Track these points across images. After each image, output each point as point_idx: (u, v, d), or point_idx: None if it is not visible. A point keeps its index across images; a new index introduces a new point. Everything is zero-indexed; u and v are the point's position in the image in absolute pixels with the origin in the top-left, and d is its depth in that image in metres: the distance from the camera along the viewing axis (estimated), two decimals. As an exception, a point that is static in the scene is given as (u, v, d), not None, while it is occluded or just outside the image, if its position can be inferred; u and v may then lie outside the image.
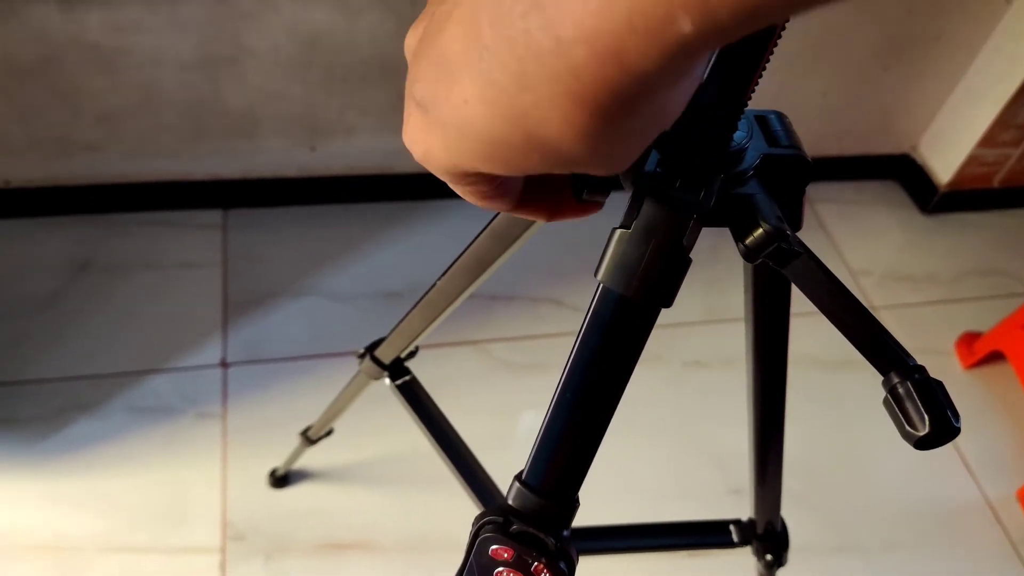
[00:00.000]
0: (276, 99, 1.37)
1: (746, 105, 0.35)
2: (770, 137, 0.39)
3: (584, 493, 1.23)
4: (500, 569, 0.32)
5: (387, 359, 0.74)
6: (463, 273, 0.55)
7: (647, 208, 0.33)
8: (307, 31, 1.28)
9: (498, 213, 0.51)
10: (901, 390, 0.30)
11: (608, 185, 0.36)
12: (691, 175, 0.34)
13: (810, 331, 1.51)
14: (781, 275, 0.39)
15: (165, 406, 1.23)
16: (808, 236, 1.71)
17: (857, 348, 0.31)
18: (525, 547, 0.32)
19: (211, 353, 1.30)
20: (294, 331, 1.34)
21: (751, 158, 0.37)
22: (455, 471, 0.66)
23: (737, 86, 0.34)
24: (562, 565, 0.32)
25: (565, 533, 0.34)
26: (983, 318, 1.57)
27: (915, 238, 1.75)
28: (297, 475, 1.17)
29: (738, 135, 0.37)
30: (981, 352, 1.51)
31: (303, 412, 1.22)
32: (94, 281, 1.37)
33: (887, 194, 1.82)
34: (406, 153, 1.43)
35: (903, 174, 1.83)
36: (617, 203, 0.36)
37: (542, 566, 0.32)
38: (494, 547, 0.32)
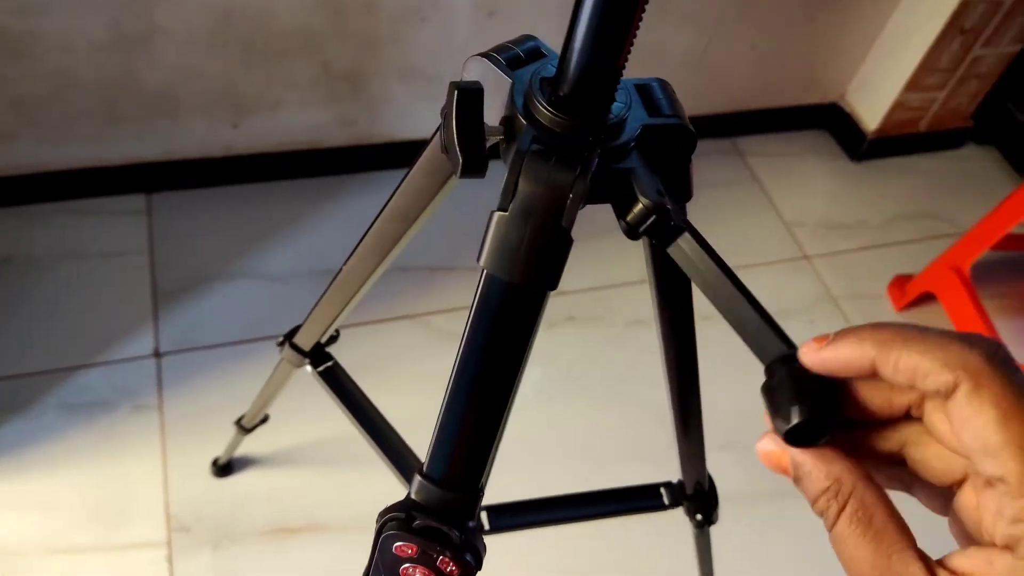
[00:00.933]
0: (194, 77, 1.32)
1: (621, 73, 0.34)
2: (651, 106, 0.38)
3: (531, 462, 1.25)
4: (406, 566, 0.32)
5: (306, 346, 0.73)
6: (369, 254, 0.54)
7: (523, 188, 0.32)
8: (221, 5, 1.23)
9: (396, 190, 0.50)
10: (775, 379, 0.29)
11: None
12: (566, 151, 0.33)
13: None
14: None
15: (99, 401, 1.20)
16: (742, 189, 1.74)
17: (738, 333, 0.30)
18: (429, 541, 0.32)
19: (143, 343, 1.26)
20: (228, 315, 1.32)
21: (631, 130, 0.36)
22: (382, 455, 0.66)
23: (610, 52, 0.32)
24: (468, 557, 0.32)
25: (471, 524, 0.34)
26: (915, 261, 1.61)
27: (846, 186, 1.78)
28: (240, 462, 1.16)
29: (616, 106, 0.36)
30: (912, 294, 1.55)
31: (242, 398, 1.20)
32: (16, 276, 1.32)
33: (817, 144, 1.85)
34: (333, 126, 1.41)
35: (832, 123, 1.86)
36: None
37: (447, 559, 0.32)
38: (398, 544, 0.32)
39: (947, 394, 0.24)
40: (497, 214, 0.33)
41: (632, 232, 0.35)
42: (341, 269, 0.58)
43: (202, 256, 1.39)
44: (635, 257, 1.51)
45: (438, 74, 1.45)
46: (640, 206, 0.34)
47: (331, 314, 0.64)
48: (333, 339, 0.75)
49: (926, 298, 1.55)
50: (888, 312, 1.57)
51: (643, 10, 0.31)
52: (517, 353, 0.34)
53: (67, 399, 1.20)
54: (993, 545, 0.24)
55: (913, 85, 1.68)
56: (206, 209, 1.45)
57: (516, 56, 0.38)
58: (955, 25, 1.57)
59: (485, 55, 0.38)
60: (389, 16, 1.33)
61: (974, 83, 1.76)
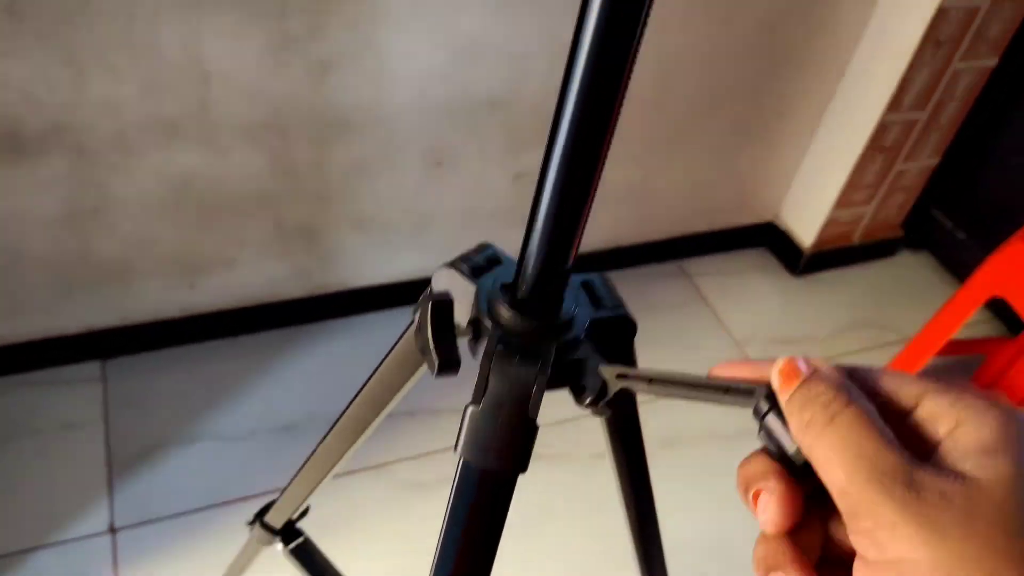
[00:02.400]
0: (150, 243, 1.34)
1: (569, 275, 0.39)
2: (595, 300, 0.43)
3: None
4: None
5: (278, 524, 0.72)
6: (343, 436, 0.58)
7: (492, 384, 0.37)
8: (176, 173, 1.27)
9: (369, 378, 0.52)
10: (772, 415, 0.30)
11: None
12: (528, 349, 0.38)
13: (701, 407, 1.56)
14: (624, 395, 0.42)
15: (52, 585, 1.15)
16: (690, 309, 1.78)
17: (720, 403, 0.33)
18: None
19: (98, 519, 1.22)
20: (186, 481, 1.29)
21: (580, 324, 0.41)
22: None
23: (560, 259, 0.38)
24: None
25: None
26: (863, 369, 1.66)
27: (789, 300, 1.85)
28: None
29: (566, 304, 0.41)
30: (866, 403, 1.59)
31: (204, 570, 1.16)
32: (-36, 456, 1.28)
33: (759, 261, 1.92)
34: (288, 279, 1.43)
35: (770, 241, 1.94)
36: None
37: None
38: None
39: None
40: (471, 408, 0.37)
41: (596, 412, 0.40)
42: (316, 450, 0.60)
43: (159, 420, 1.36)
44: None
45: (390, 221, 1.49)
46: (591, 394, 0.38)
47: (304, 492, 0.64)
48: (303, 514, 0.74)
49: (880, 406, 1.59)
50: (846, 422, 1.60)
51: (584, 226, 0.37)
52: (495, 530, 0.38)
53: (18, 586, 1.14)
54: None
55: (842, 202, 1.78)
56: (163, 371, 1.44)
57: (478, 264, 0.43)
58: (875, 145, 1.68)
59: (452, 264, 0.43)
60: (340, 172, 1.38)
61: (900, 195, 1.86)
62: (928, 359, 1.47)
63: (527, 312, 0.39)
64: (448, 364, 0.40)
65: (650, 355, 1.79)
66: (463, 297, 0.42)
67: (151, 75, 1.14)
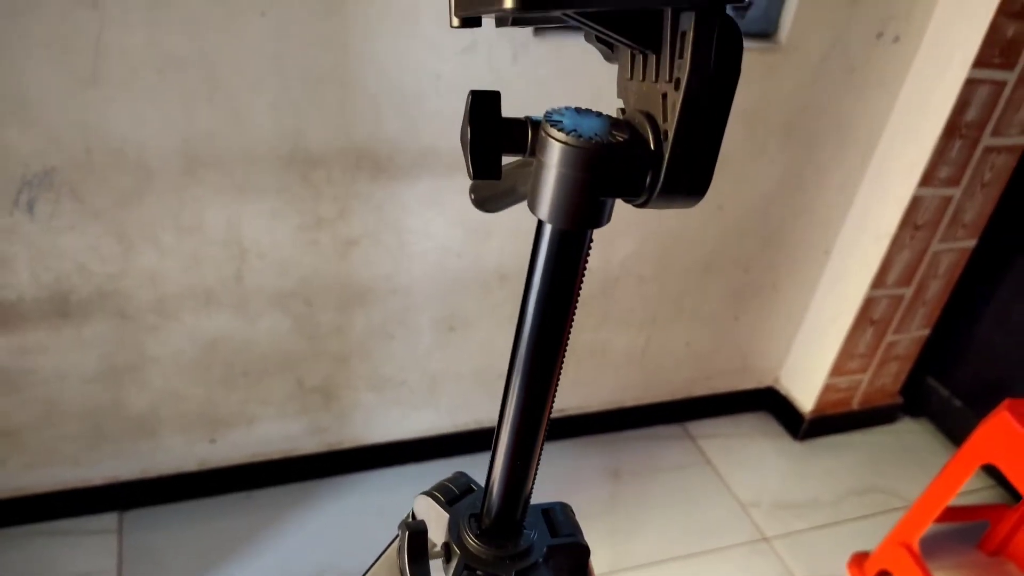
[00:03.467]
0: (178, 399, 1.43)
1: (528, 505, 0.45)
2: (552, 527, 0.48)
3: None
4: None
5: None
6: None
7: None
8: (208, 336, 1.37)
9: None
10: None
11: None
12: (489, 573, 0.44)
13: (708, 571, 1.57)
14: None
15: None
16: (696, 473, 1.82)
17: None
18: None
19: (105, 675, 1.24)
20: (195, 637, 1.30)
21: (538, 550, 0.47)
22: None
23: (517, 495, 0.44)
24: None
25: None
26: (869, 536, 1.67)
27: (793, 464, 1.88)
28: None
29: (526, 533, 0.47)
30: (871, 572, 1.59)
31: None
32: (-21, 606, 1.31)
33: (761, 424, 1.98)
34: (305, 435, 1.51)
35: (771, 405, 2.00)
36: None
37: None
38: None
39: None
40: None
41: None
42: None
43: (172, 574, 1.40)
44: (598, 549, 1.55)
45: (405, 381, 1.58)
46: None
47: None
48: None
49: (885, 575, 1.59)
50: (852, 591, 1.59)
51: (535, 471, 0.44)
52: None
53: None
54: None
55: (837, 370, 1.85)
56: (178, 523, 1.49)
57: (452, 493, 0.50)
58: (864, 317, 1.77)
59: (429, 494, 0.50)
60: (359, 335, 1.48)
61: (894, 364, 1.94)
62: (928, 525, 1.49)
63: (489, 540, 0.45)
64: None
65: (657, 516, 1.85)
66: (439, 522, 0.48)
67: (193, 251, 1.27)
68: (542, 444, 0.43)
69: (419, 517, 0.50)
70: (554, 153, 0.34)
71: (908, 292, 1.78)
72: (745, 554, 1.63)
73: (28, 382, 1.31)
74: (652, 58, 0.33)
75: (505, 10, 0.27)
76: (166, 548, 1.45)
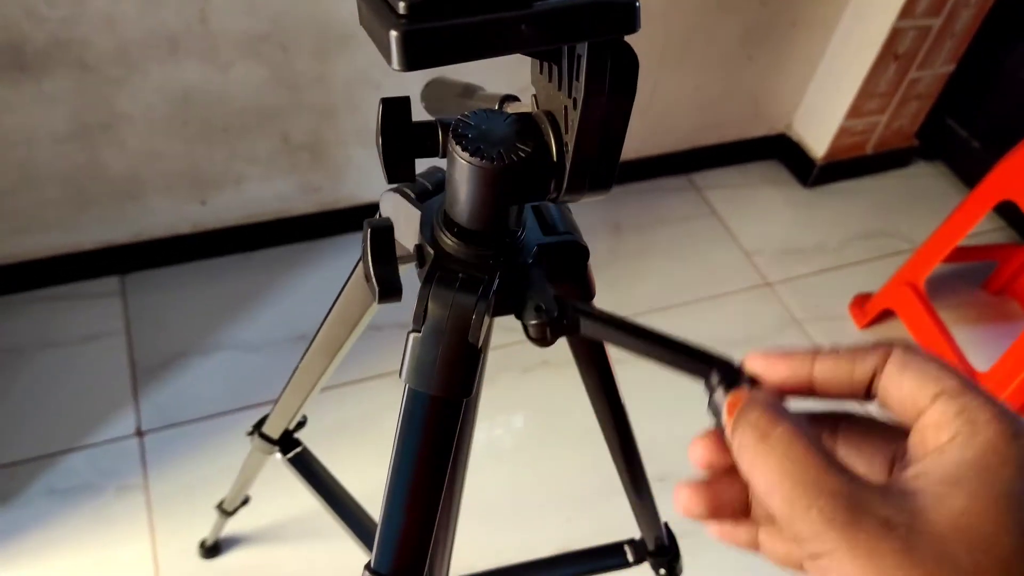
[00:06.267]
0: (158, 159, 1.36)
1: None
2: (545, 225, 0.42)
3: (515, 509, 1.27)
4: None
5: (275, 434, 0.76)
6: (319, 354, 0.59)
7: (432, 310, 0.36)
8: (179, 89, 1.28)
9: (335, 300, 0.54)
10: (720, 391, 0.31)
11: None
12: (469, 276, 0.37)
13: (710, 315, 1.58)
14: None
15: (85, 484, 1.22)
16: (701, 223, 1.79)
17: (673, 367, 0.33)
18: None
19: (125, 424, 1.28)
20: (208, 389, 1.34)
21: (527, 249, 0.40)
22: (350, 532, 0.69)
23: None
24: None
25: None
26: (873, 279, 1.67)
27: (800, 211, 1.84)
28: (228, 542, 1.17)
29: (512, 229, 0.39)
30: (873, 312, 1.60)
31: (227, 470, 1.22)
32: (-5, 367, 1.34)
33: (769, 173, 1.91)
34: (298, 194, 1.46)
35: (782, 153, 1.92)
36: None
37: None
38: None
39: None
40: (412, 335, 0.37)
41: (537, 342, 0.38)
42: (297, 367, 0.62)
43: (178, 332, 1.41)
44: (600, 297, 1.55)
45: (397, 137, 1.50)
46: (536, 322, 0.37)
47: (294, 405, 0.67)
48: (300, 425, 0.78)
49: (886, 315, 1.60)
50: (852, 330, 1.62)
51: None
52: (444, 454, 0.38)
53: (54, 485, 1.21)
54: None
55: (855, 112, 1.75)
56: (179, 285, 1.48)
57: (425, 188, 0.42)
58: (888, 52, 1.64)
59: (397, 190, 0.42)
60: (342, 85, 1.38)
61: (914, 104, 1.83)
62: (935, 264, 1.47)
63: (469, 238, 0.38)
64: (388, 291, 0.39)
65: (659, 266, 1.83)
66: (410, 222, 0.41)
67: (150, -13, 1.15)
68: None
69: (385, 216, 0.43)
70: (462, 170, 0.35)
71: (937, 23, 1.63)
72: (747, 299, 1.64)
73: (-3, 144, 1.24)
74: (556, 67, 0.34)
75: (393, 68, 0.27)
76: (170, 308, 1.45)
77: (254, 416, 1.31)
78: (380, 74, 1.38)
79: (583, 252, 0.42)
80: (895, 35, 1.61)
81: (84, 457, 1.25)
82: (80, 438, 1.27)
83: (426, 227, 0.40)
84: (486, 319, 0.36)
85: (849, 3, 1.65)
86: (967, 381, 0.26)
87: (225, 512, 1.05)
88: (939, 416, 0.26)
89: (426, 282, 0.37)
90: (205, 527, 1.15)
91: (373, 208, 1.56)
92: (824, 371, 0.29)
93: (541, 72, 0.36)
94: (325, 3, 1.25)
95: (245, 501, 1.07)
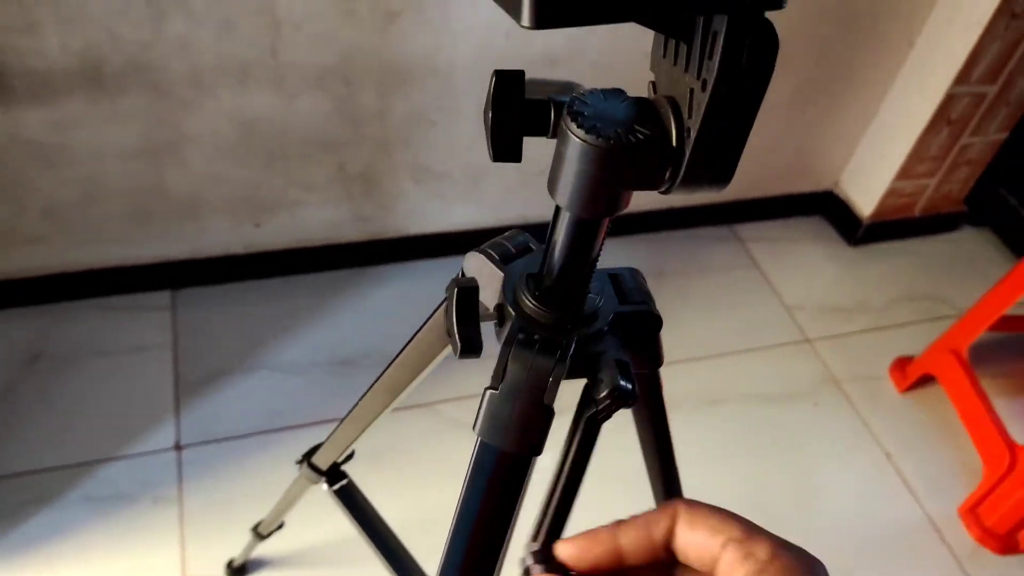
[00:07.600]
0: (220, 181, 1.41)
1: (594, 268, 0.39)
2: (621, 294, 0.43)
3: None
4: None
5: (324, 465, 0.78)
6: (382, 393, 0.61)
7: (511, 371, 0.38)
8: (246, 116, 1.33)
9: (407, 344, 0.56)
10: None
11: None
12: (548, 339, 0.39)
13: (747, 368, 1.58)
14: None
15: (121, 494, 1.24)
16: (742, 274, 1.79)
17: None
18: None
19: (165, 436, 1.31)
20: (247, 407, 1.36)
21: (604, 318, 0.41)
22: (392, 572, 0.70)
23: (582, 260, 0.38)
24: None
25: None
26: (915, 342, 1.65)
27: (844, 270, 1.83)
28: (255, 564, 1.19)
29: (590, 298, 0.41)
30: (914, 376, 1.58)
31: (261, 489, 1.24)
32: (45, 372, 1.38)
33: (815, 229, 1.91)
34: (348, 222, 1.49)
35: (828, 209, 1.92)
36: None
37: None
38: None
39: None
40: (489, 392, 0.39)
41: (599, 414, 0.40)
42: (358, 402, 0.64)
43: (223, 349, 1.45)
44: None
45: (446, 172, 1.53)
46: (605, 396, 0.39)
47: (348, 439, 0.69)
48: (349, 457, 0.79)
49: (927, 380, 1.58)
50: (891, 394, 1.60)
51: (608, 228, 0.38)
52: (509, 507, 0.40)
53: (91, 492, 1.24)
54: None
55: (904, 173, 1.75)
56: (228, 304, 1.52)
57: (508, 251, 0.44)
58: (942, 117, 1.65)
59: (482, 251, 0.44)
60: (400, 121, 1.42)
61: (965, 169, 1.82)
62: (981, 331, 1.45)
63: (549, 303, 0.39)
64: (469, 349, 0.40)
65: (699, 315, 1.83)
66: (492, 282, 0.43)
67: (225, 17, 1.19)
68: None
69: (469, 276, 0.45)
70: (573, 148, 0.33)
71: (992, 90, 1.63)
72: (786, 354, 1.63)
73: (65, 159, 1.29)
74: (684, 47, 0.32)
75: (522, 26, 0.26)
76: (217, 325, 1.49)
77: (290, 438, 1.34)
78: (435, 112, 1.42)
79: (657, 321, 0.43)
80: (949, 100, 1.61)
81: (123, 466, 1.28)
82: (120, 448, 1.29)
83: (508, 289, 0.41)
84: (560, 382, 0.38)
85: (904, 65, 1.66)
86: (749, 525, 0.29)
87: (260, 535, 1.07)
88: (732, 561, 0.28)
89: (507, 343, 0.39)
90: (235, 544, 1.16)
91: (419, 240, 1.59)
92: (628, 542, 0.31)
93: (664, 56, 0.34)
94: (390, 40, 1.29)
95: (280, 526, 1.08)
